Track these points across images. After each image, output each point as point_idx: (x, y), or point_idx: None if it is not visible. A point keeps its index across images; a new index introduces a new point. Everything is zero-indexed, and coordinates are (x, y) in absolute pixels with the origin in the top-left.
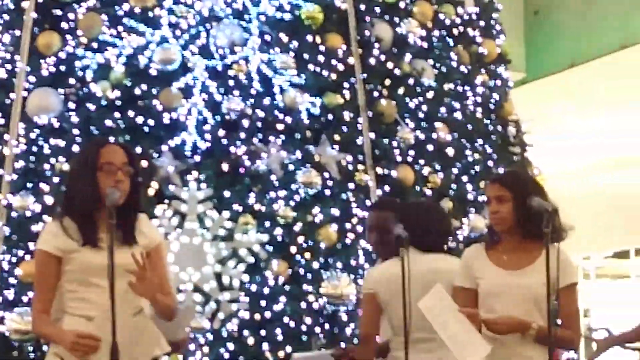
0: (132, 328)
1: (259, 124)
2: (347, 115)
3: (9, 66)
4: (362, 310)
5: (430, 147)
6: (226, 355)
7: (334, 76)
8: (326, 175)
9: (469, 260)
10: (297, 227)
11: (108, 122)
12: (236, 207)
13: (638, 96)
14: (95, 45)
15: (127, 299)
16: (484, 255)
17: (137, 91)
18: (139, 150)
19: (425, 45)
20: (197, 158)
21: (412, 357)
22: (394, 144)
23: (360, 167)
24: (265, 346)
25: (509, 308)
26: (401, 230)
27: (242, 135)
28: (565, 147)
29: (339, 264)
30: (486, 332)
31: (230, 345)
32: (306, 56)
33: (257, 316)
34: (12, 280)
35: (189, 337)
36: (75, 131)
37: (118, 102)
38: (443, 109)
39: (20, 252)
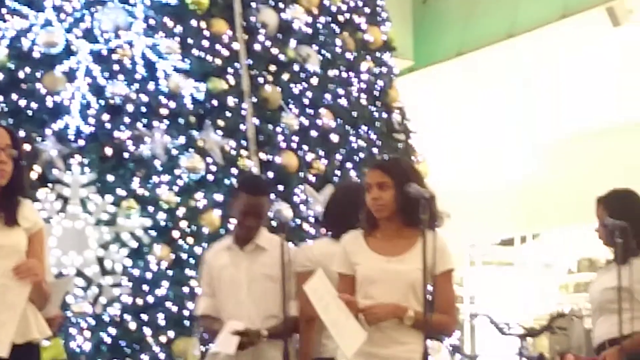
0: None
1: (143, 109)
2: (231, 101)
3: None
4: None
5: (314, 133)
6: (108, 340)
7: (218, 61)
8: (209, 160)
9: (347, 246)
10: (180, 211)
11: None
12: (119, 191)
13: (523, 85)
14: None
15: (10, 279)
16: (362, 242)
17: (21, 74)
18: (22, 133)
19: (310, 31)
20: (81, 142)
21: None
22: (278, 129)
23: (243, 152)
24: (147, 331)
25: (386, 294)
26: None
27: (126, 119)
28: (453, 134)
29: None
30: (362, 318)
31: (112, 330)
32: (191, 41)
33: (140, 301)
34: None
35: (62, 315)
36: None
37: (1, 85)
38: (328, 96)
39: None
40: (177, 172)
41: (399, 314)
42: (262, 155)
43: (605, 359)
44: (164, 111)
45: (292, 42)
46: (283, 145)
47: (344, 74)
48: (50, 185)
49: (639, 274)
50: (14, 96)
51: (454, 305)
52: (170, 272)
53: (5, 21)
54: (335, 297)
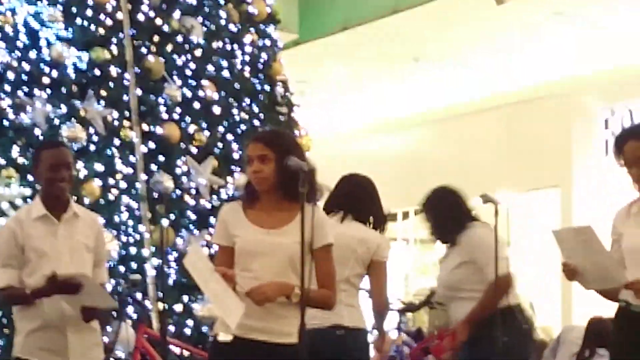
0: None
1: (25, 77)
2: (114, 71)
3: None
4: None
5: (197, 105)
6: None
7: (102, 31)
8: (91, 130)
9: (225, 218)
10: None
11: None
12: None
13: (409, 60)
14: None
15: None
16: (242, 214)
17: None
18: None
19: (194, 3)
20: None
21: (310, 312)
22: (161, 101)
23: (126, 123)
24: None
25: (264, 267)
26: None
27: (7, 88)
28: (338, 109)
29: (102, 220)
30: (241, 291)
31: None
32: (74, 10)
33: None
34: None
35: None
36: None
37: None
38: (211, 67)
39: None
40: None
41: (287, 292)
42: (144, 126)
43: (454, 333)
44: (45, 80)
45: (176, 13)
46: (165, 116)
47: (228, 46)
48: None
49: (470, 246)
50: None
51: (333, 279)
52: None
53: None
54: (212, 271)
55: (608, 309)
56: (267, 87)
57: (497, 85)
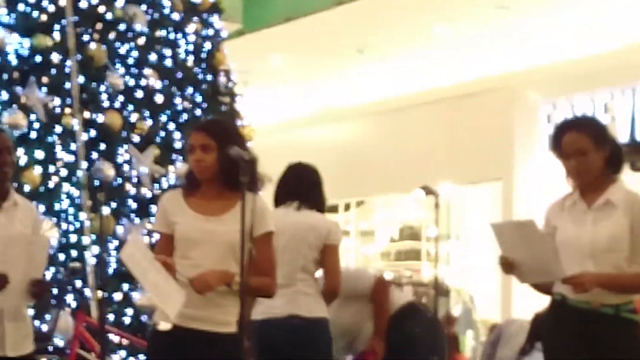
0: None
1: None
2: (56, 58)
3: None
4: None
5: (139, 94)
6: None
7: (44, 17)
8: (32, 117)
9: (166, 205)
10: None
11: None
12: None
13: (352, 52)
14: None
15: None
16: (182, 201)
17: None
18: None
19: None
20: None
21: (267, 301)
22: (103, 88)
23: (67, 110)
24: None
25: (204, 254)
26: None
27: None
28: (280, 99)
29: (42, 207)
30: (181, 279)
31: None
32: None
33: None
34: None
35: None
36: None
37: None
38: (154, 56)
39: None
40: None
41: (228, 280)
42: (86, 114)
43: (373, 352)
44: None
45: (120, 1)
46: (107, 104)
47: (171, 35)
48: None
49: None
50: None
51: (274, 267)
52: None
53: None
54: (152, 260)
55: (547, 302)
56: (209, 77)
57: (440, 78)
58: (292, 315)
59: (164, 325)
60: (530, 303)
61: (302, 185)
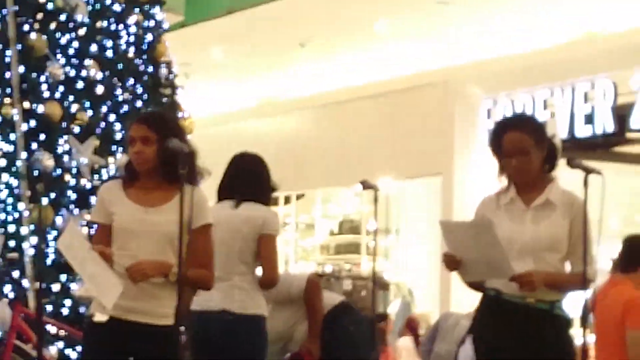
0: None
1: None
2: None
3: None
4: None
5: (79, 84)
6: None
7: None
8: None
9: (104, 196)
10: None
11: None
12: None
13: (294, 45)
14: None
15: None
16: (121, 192)
17: None
18: None
19: None
20: None
21: (206, 294)
22: (43, 79)
23: (7, 100)
24: None
25: (142, 245)
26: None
27: None
28: (222, 91)
29: None
30: (119, 269)
31: None
32: None
33: None
34: None
35: None
36: None
37: None
38: (94, 47)
39: None
40: None
41: (165, 270)
42: (26, 104)
43: (308, 353)
44: None
45: None
46: (47, 94)
47: (113, 26)
48: None
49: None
50: None
51: (211, 260)
52: None
53: None
54: (89, 250)
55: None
56: (151, 68)
57: (381, 72)
58: (225, 310)
59: (100, 317)
60: (468, 296)
61: (243, 177)
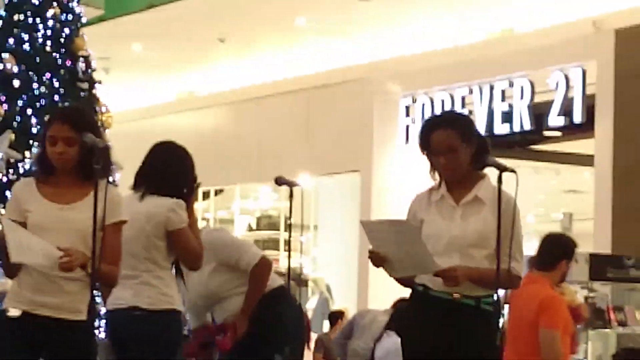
0: None
1: None
2: None
3: None
4: None
5: None
6: None
7: None
8: None
9: (18, 194)
10: None
11: None
12: None
13: (214, 40)
14: None
15: None
16: (35, 189)
17: None
18: None
19: None
20: None
21: (117, 292)
22: None
23: None
24: None
25: (56, 241)
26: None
27: None
28: (141, 86)
29: None
30: (34, 265)
31: None
32: None
33: None
34: None
35: None
36: None
37: None
38: (11, 40)
39: None
40: None
41: (85, 261)
42: None
43: (234, 325)
44: None
45: None
46: None
47: (30, 19)
48: None
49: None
50: None
51: (119, 257)
52: None
53: None
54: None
55: (404, 293)
56: (68, 62)
57: (300, 68)
58: (135, 306)
59: (13, 312)
60: (386, 293)
61: (153, 168)
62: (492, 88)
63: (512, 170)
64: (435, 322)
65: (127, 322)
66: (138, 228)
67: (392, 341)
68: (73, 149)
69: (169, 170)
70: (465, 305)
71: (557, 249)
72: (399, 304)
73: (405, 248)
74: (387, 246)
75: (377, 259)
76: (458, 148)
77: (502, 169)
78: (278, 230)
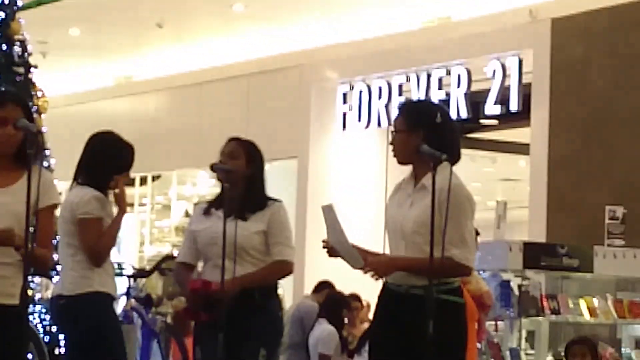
0: None
1: None
2: None
3: None
4: None
5: None
6: None
7: None
8: None
9: None
10: None
11: None
12: None
13: (152, 26)
14: None
15: None
16: None
17: None
18: None
19: None
20: None
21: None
22: None
23: None
24: None
25: None
26: None
27: None
28: (78, 71)
29: None
30: None
31: None
32: None
33: None
34: None
35: None
36: None
37: None
38: None
39: None
40: None
41: (21, 243)
42: None
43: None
44: None
45: None
46: None
47: None
48: None
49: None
50: None
51: (52, 240)
52: None
53: None
54: None
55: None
56: (4, 47)
57: (238, 54)
58: (59, 295)
59: None
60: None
61: (84, 159)
62: (429, 76)
63: (446, 160)
64: (391, 314)
65: (54, 310)
66: (61, 216)
67: (319, 325)
68: (20, 132)
69: (95, 161)
70: (413, 296)
71: None
72: (329, 297)
73: (338, 238)
74: (331, 235)
75: (328, 250)
76: (400, 132)
77: (435, 159)
78: None
